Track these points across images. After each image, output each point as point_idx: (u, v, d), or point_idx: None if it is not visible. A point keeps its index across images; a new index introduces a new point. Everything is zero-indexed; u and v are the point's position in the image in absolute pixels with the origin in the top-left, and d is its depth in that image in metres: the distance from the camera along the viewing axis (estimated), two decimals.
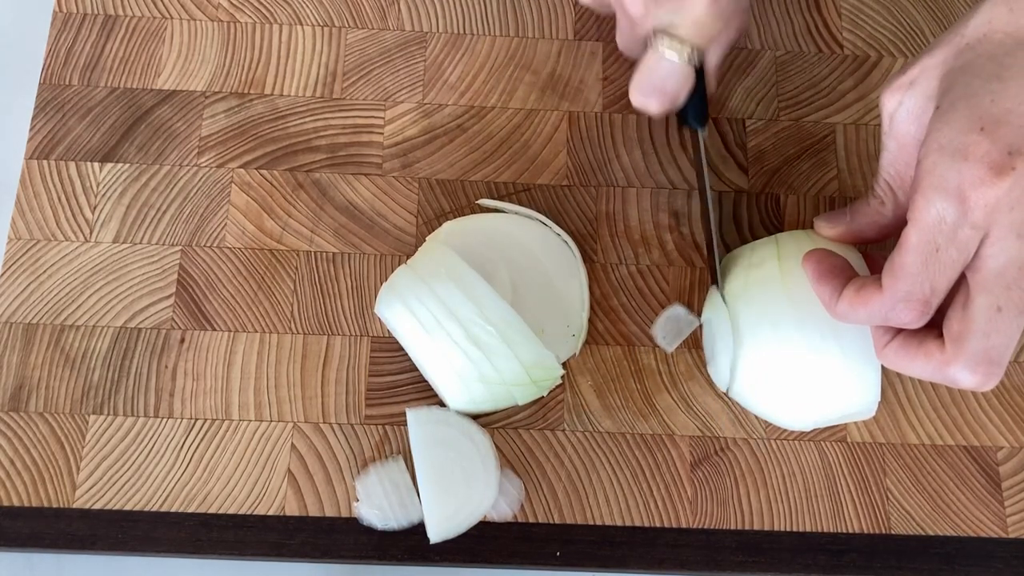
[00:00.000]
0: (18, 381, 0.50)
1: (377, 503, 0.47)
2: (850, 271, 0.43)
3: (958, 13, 0.58)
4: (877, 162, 0.45)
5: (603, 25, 0.58)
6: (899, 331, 0.41)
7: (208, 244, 0.52)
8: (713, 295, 0.50)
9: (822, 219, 0.48)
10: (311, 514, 0.48)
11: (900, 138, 0.42)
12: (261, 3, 0.57)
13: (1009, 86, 0.37)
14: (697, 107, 0.50)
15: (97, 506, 0.48)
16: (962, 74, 0.39)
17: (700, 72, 0.49)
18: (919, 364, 0.40)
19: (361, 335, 0.51)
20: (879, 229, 0.45)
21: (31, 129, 0.54)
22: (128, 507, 0.48)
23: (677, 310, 0.51)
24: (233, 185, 0.53)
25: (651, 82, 0.48)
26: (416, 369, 0.50)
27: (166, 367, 0.50)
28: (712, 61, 0.50)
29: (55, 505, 0.48)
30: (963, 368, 0.39)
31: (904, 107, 0.42)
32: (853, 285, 0.41)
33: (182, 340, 0.51)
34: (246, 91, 0.55)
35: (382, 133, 0.55)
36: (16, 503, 0.48)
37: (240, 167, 0.54)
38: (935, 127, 0.39)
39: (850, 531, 0.49)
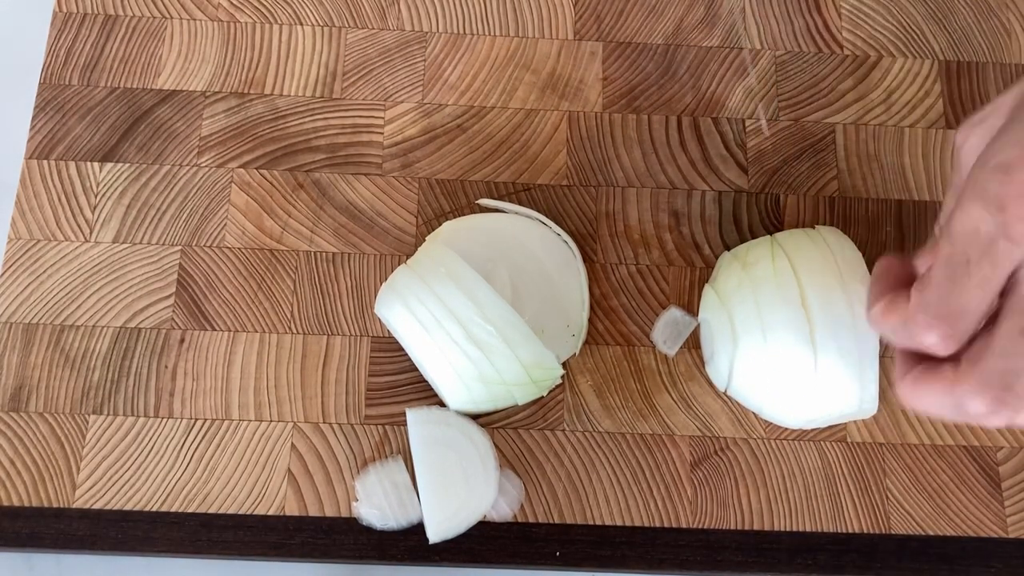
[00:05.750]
0: (18, 381, 0.50)
1: (377, 503, 0.47)
2: (905, 283, 0.39)
3: (958, 13, 0.59)
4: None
5: (603, 25, 0.58)
6: (920, 361, 0.38)
7: (208, 244, 0.52)
8: (709, 295, 0.50)
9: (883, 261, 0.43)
10: (311, 514, 0.48)
11: (962, 170, 0.40)
12: (261, 3, 0.57)
13: None
14: None
15: (97, 506, 0.48)
16: None
17: None
18: (931, 389, 0.37)
19: (361, 335, 0.51)
20: None
21: (31, 129, 0.54)
22: (128, 507, 0.48)
23: (674, 313, 0.51)
24: (233, 185, 0.53)
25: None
26: (416, 369, 0.50)
27: (166, 367, 0.50)
28: None
29: (55, 505, 0.48)
30: (972, 390, 0.35)
31: (970, 141, 0.40)
32: (890, 295, 0.39)
33: (182, 340, 0.51)
34: (246, 91, 0.55)
35: (382, 133, 0.55)
36: (16, 503, 0.48)
37: (240, 167, 0.54)
38: (989, 145, 0.36)
39: (850, 531, 0.49)
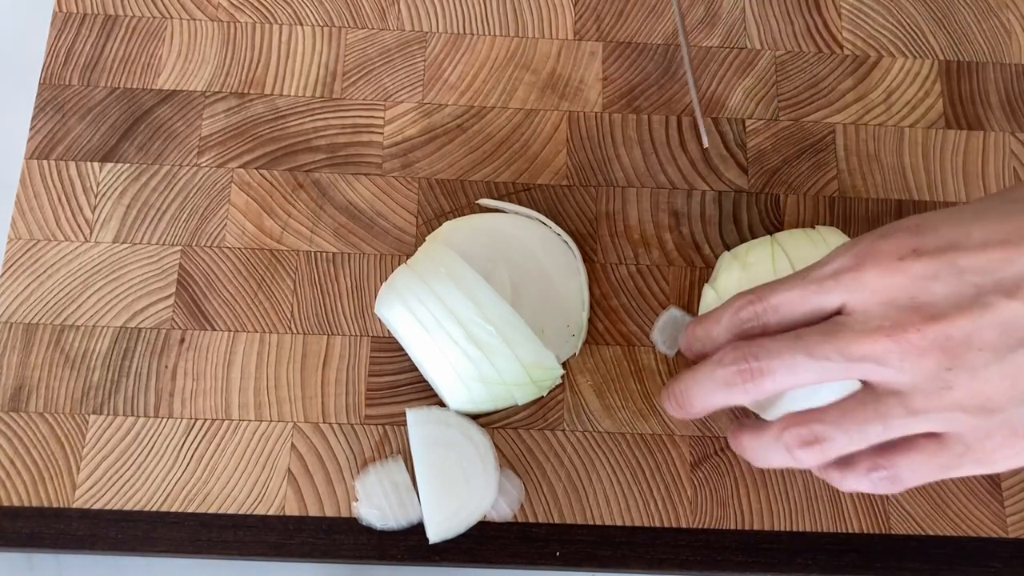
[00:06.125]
0: (18, 381, 0.50)
1: (377, 503, 0.47)
2: None
3: (958, 13, 0.58)
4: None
5: (603, 25, 0.58)
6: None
7: (208, 244, 0.52)
8: (709, 295, 0.50)
9: None
10: (311, 514, 0.48)
11: None
12: (261, 3, 0.57)
13: (985, 219, 0.36)
14: None
15: (97, 506, 0.48)
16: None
17: None
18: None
19: (361, 335, 0.51)
20: None
21: (31, 129, 0.54)
22: (128, 507, 0.48)
23: (674, 313, 0.51)
24: (233, 185, 0.53)
25: None
26: (416, 369, 0.50)
27: (166, 367, 0.50)
28: None
29: (55, 505, 0.48)
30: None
31: None
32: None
33: (182, 340, 0.51)
34: (246, 91, 0.55)
35: (382, 133, 0.55)
36: (16, 503, 0.48)
37: (240, 167, 0.54)
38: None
39: (850, 531, 0.49)
